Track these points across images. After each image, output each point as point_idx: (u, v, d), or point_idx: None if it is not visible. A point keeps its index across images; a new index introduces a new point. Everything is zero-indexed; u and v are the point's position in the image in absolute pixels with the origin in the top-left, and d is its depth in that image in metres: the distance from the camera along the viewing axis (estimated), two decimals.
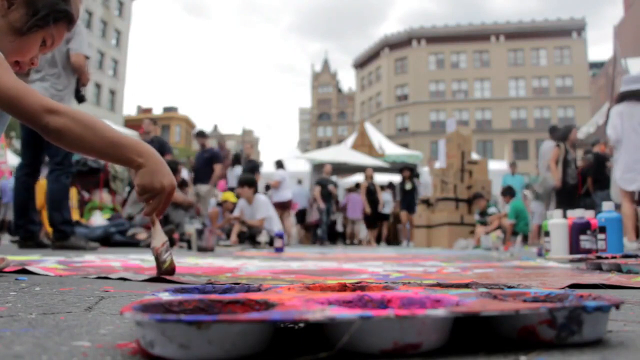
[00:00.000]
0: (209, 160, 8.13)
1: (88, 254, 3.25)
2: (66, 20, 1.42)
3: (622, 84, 5.08)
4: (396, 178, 12.98)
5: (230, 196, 8.25)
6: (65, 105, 1.22)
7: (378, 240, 11.18)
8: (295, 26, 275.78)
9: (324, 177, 10.85)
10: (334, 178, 16.41)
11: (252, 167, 9.13)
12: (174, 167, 6.13)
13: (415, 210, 10.39)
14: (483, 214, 8.58)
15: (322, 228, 10.66)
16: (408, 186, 10.70)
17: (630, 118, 4.76)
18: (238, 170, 10.14)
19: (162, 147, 7.77)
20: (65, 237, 3.92)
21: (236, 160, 11.12)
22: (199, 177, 8.18)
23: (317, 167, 15.41)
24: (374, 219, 10.96)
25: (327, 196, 10.56)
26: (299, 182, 14.31)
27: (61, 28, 1.41)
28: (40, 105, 1.17)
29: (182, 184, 7.88)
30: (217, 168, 8.03)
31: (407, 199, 10.79)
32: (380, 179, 13.31)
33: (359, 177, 14.59)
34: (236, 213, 7.15)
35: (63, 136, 1.19)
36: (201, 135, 8.70)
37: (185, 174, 10.01)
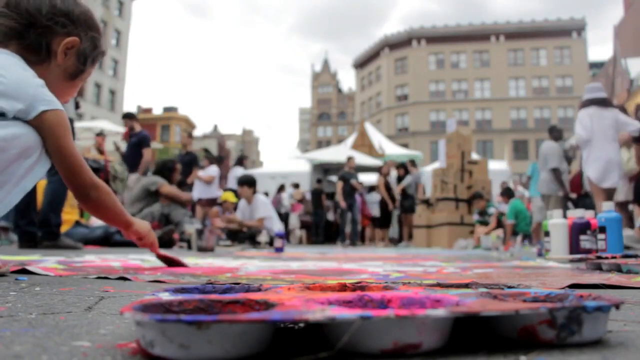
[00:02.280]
0: (137, 145, 7.30)
1: (88, 254, 3.25)
2: (100, 58, 1.61)
3: (585, 92, 5.57)
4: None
5: (230, 196, 8.24)
6: (101, 181, 1.52)
7: (400, 239, 10.94)
8: (297, 27, 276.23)
9: (347, 171, 10.20)
10: (333, 178, 16.39)
11: (190, 160, 8.50)
12: (171, 166, 6.10)
13: (414, 209, 10.31)
14: (483, 214, 8.59)
15: (343, 227, 10.16)
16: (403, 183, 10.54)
17: (599, 120, 5.15)
18: (239, 171, 10.07)
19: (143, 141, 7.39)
20: (56, 237, 3.98)
21: (239, 161, 11.07)
22: (129, 165, 7.35)
23: (317, 167, 15.41)
24: (388, 218, 10.72)
25: (350, 192, 9.98)
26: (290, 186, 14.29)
27: (94, 66, 1.60)
28: (90, 179, 1.46)
29: (182, 184, 7.85)
30: (146, 153, 7.13)
31: (403, 198, 10.57)
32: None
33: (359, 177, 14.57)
34: (237, 214, 7.15)
35: (98, 207, 1.52)
36: (128, 117, 7.68)
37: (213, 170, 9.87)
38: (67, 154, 1.39)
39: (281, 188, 12.63)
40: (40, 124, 1.33)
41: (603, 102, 5.44)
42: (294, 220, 12.17)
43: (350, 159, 10.58)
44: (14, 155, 1.27)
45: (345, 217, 10.16)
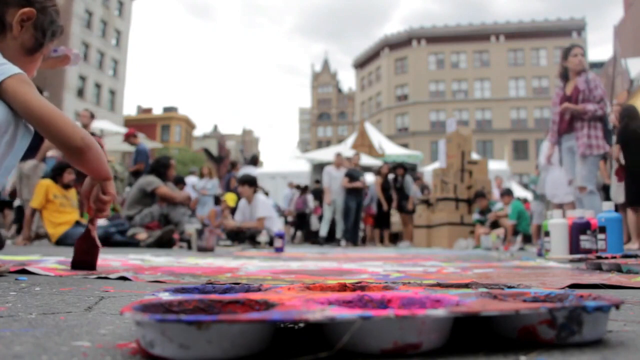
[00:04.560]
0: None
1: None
2: (59, 34, 1.52)
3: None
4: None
5: (229, 198, 8.24)
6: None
7: (392, 240, 10.85)
8: (299, 28, 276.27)
9: (353, 169, 9.90)
10: None
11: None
12: (166, 163, 6.06)
13: (406, 209, 10.31)
14: (484, 213, 8.58)
15: (346, 227, 9.76)
16: (398, 184, 10.49)
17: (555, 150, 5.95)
18: (252, 171, 9.99)
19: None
20: None
21: (252, 161, 11.02)
22: (25, 153, 7.07)
23: (317, 167, 15.39)
24: (387, 218, 10.65)
25: (357, 190, 9.67)
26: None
27: (54, 41, 1.52)
28: (78, 128, 1.35)
29: (179, 181, 7.84)
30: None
31: (401, 199, 10.54)
32: None
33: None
34: (237, 214, 7.14)
35: (89, 154, 1.39)
36: None
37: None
38: (43, 111, 1.29)
39: (304, 189, 12.60)
40: (2, 94, 1.26)
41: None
42: (315, 221, 12.17)
43: (354, 155, 10.47)
44: None
45: (353, 215, 9.84)
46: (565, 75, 4.59)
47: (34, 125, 1.32)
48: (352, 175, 9.70)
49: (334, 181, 9.65)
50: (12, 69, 1.29)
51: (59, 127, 1.31)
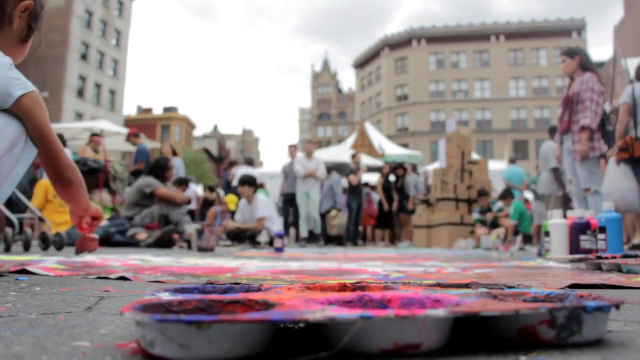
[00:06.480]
0: None
1: (88, 254, 3.24)
2: (42, 19, 1.54)
3: None
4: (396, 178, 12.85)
5: (230, 200, 8.22)
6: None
7: (392, 239, 10.84)
8: (300, 28, 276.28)
9: (353, 168, 9.86)
10: None
11: None
12: (164, 165, 6.05)
13: (406, 209, 10.31)
14: (484, 211, 8.57)
15: (347, 227, 9.60)
16: (399, 184, 10.47)
17: (548, 150, 6.31)
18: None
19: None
20: None
21: (248, 161, 10.99)
22: None
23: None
24: (388, 218, 10.65)
25: (358, 190, 9.62)
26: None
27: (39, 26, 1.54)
28: (70, 161, 1.46)
29: (181, 182, 7.84)
30: None
31: (402, 199, 10.53)
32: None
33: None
34: (237, 213, 7.14)
35: (73, 188, 1.49)
36: None
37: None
38: (49, 138, 1.37)
39: None
40: (18, 109, 1.29)
41: (549, 132, 6.95)
42: None
43: (355, 155, 10.43)
44: (4, 148, 1.25)
45: (353, 215, 9.75)
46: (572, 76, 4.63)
47: (40, 151, 1.38)
48: (353, 171, 9.72)
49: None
50: (28, 85, 1.33)
51: (58, 158, 1.42)
